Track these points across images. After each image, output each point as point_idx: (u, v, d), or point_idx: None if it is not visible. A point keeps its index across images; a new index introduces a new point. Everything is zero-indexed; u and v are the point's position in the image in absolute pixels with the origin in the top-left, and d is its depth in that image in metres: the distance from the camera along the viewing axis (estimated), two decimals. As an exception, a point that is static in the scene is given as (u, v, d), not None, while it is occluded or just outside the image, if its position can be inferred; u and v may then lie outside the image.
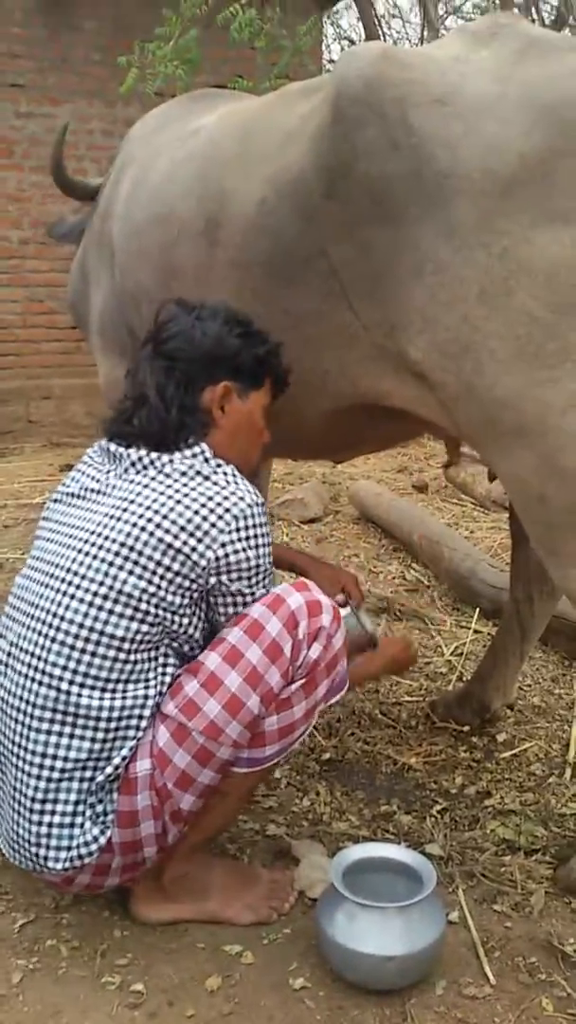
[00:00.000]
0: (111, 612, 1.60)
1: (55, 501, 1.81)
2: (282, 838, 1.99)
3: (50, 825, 1.60)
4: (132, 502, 1.64)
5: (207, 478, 1.66)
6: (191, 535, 1.60)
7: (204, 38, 6.39)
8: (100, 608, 1.60)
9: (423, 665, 2.97)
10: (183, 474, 1.66)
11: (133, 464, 1.71)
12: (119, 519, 1.63)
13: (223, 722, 1.59)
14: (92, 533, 1.65)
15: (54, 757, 1.60)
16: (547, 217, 1.51)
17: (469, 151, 1.55)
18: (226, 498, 1.64)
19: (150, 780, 1.62)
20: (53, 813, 1.60)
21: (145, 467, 1.69)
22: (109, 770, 1.61)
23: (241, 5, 6.19)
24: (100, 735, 1.61)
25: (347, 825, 2.06)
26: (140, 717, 1.63)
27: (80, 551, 1.65)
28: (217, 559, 1.62)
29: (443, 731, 2.50)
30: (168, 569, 1.60)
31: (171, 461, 1.68)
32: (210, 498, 1.63)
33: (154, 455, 1.69)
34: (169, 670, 1.66)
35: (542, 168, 1.51)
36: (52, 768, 1.60)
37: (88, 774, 1.61)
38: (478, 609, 3.37)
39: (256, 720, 1.62)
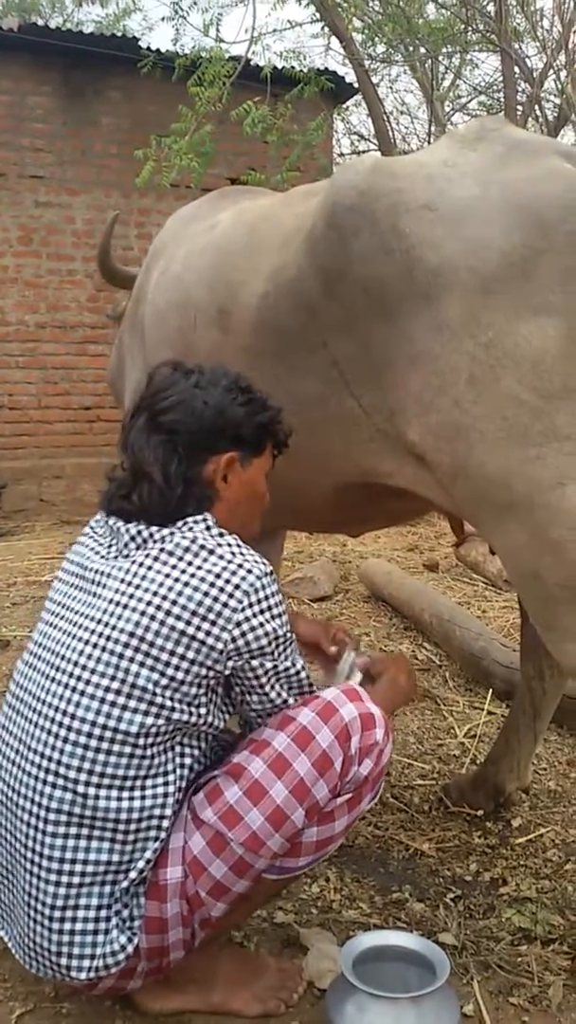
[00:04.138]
0: (124, 708, 1.51)
1: (59, 579, 1.74)
2: (290, 926, 1.93)
3: (71, 933, 1.50)
4: (138, 587, 1.55)
5: (212, 552, 1.57)
6: (203, 619, 1.52)
7: (218, 132, 6.64)
8: (113, 704, 1.51)
9: (435, 747, 2.91)
10: (186, 550, 1.57)
11: (132, 539, 1.62)
12: (125, 606, 1.54)
13: (265, 835, 1.52)
14: (98, 622, 1.56)
15: (73, 862, 1.51)
16: (530, 310, 1.58)
17: (454, 251, 1.63)
18: (234, 573, 1.55)
19: (181, 888, 1.54)
20: (75, 920, 1.50)
21: (145, 541, 1.61)
22: (133, 875, 1.51)
23: (254, 102, 6.45)
24: (121, 837, 1.51)
25: (358, 913, 1.99)
26: (162, 817, 1.54)
27: (87, 642, 1.56)
28: (234, 639, 1.53)
29: (456, 816, 2.44)
30: (183, 658, 1.51)
31: (172, 535, 1.60)
32: (218, 575, 1.54)
33: (153, 529, 1.61)
34: (188, 761, 1.59)
35: (523, 264, 1.58)
36: (72, 874, 1.51)
37: (111, 878, 1.52)
38: (491, 690, 3.32)
39: (298, 833, 1.56)
